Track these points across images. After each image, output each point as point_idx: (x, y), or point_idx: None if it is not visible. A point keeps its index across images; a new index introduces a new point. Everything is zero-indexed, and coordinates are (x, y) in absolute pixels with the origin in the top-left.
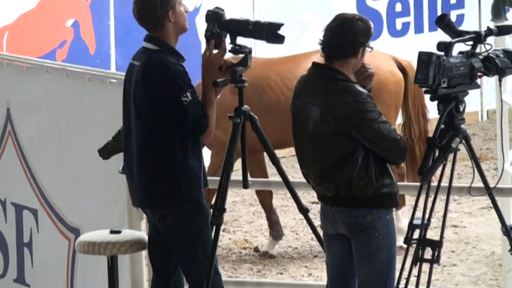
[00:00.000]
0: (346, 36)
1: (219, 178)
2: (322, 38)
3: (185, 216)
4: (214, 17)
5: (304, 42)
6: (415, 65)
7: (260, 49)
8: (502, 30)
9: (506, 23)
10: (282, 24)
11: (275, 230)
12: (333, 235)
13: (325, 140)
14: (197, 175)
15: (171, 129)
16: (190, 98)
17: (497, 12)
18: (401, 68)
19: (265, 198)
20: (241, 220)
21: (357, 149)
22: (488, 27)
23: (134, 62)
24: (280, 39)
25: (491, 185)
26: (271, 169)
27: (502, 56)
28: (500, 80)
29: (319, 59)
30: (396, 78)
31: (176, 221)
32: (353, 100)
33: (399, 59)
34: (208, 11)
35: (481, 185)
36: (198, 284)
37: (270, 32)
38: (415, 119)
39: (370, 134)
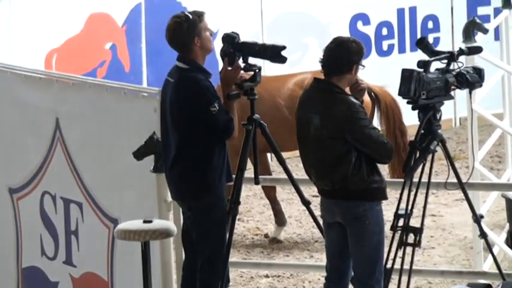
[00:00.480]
0: (342, 55)
1: (234, 176)
2: (322, 57)
3: (207, 209)
4: (229, 39)
5: (305, 62)
6: (396, 82)
7: (268, 67)
8: (472, 51)
9: (475, 44)
10: (285, 47)
11: (279, 218)
12: (331, 223)
13: (324, 143)
14: (220, 174)
15: (201, 134)
16: (217, 108)
17: (468, 35)
18: (374, 94)
19: (269, 192)
20: (253, 211)
21: (351, 150)
22: (460, 47)
23: (169, 78)
24: (282, 59)
25: (464, 180)
26: (278, 168)
27: (471, 72)
28: (470, 92)
29: (301, 79)
30: (365, 104)
31: (200, 212)
32: (348, 109)
33: (372, 85)
34: (224, 34)
35: (455, 180)
36: (208, 261)
37: (274, 53)
38: (392, 134)
39: (362, 138)
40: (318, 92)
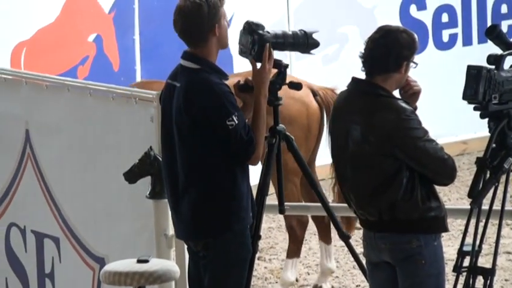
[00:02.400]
0: (389, 48)
1: None
2: (363, 51)
3: (228, 247)
4: (254, 29)
5: (344, 56)
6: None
7: (296, 65)
8: None
9: None
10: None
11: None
12: (377, 263)
13: (366, 161)
14: (246, 203)
15: (217, 153)
16: (236, 122)
17: None
18: (320, 98)
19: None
20: (277, 247)
21: (401, 169)
22: None
23: (173, 82)
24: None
25: None
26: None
27: None
28: None
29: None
30: (311, 110)
31: (217, 252)
32: (396, 117)
33: (316, 87)
34: (246, 23)
35: None
36: None
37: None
38: None
39: (415, 153)
40: (357, 96)
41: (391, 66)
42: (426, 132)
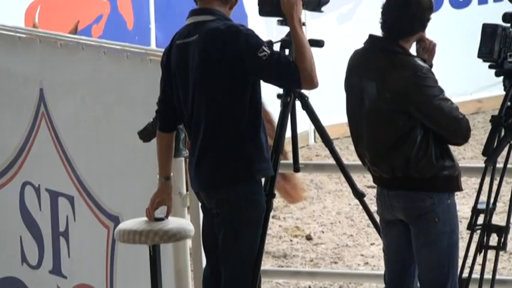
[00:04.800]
0: (414, 13)
1: None
2: (382, 18)
3: (241, 207)
4: None
5: (358, 16)
6: (476, 41)
7: (311, 24)
8: None
9: None
10: None
11: None
12: (390, 221)
13: (382, 118)
14: (267, 154)
15: (243, 100)
16: (268, 51)
17: None
18: None
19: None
20: (291, 206)
21: (416, 127)
22: None
23: (186, 40)
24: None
25: None
26: (324, 151)
27: None
28: None
29: None
30: None
31: (231, 210)
32: (412, 74)
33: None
34: None
35: None
36: (231, 278)
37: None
38: None
39: (430, 111)
40: (375, 54)
41: (416, 29)
42: (442, 90)
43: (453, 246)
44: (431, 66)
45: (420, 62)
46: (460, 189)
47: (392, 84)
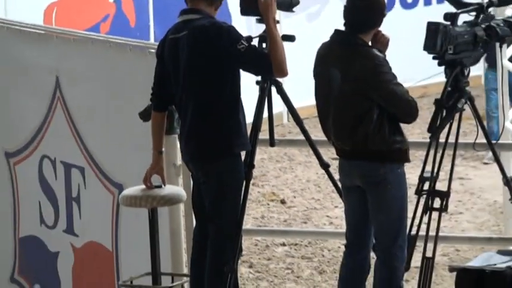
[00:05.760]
0: (373, 10)
1: None
2: (346, 14)
3: (226, 172)
4: None
5: (325, 15)
6: (421, 36)
7: (284, 22)
8: (502, 2)
9: None
10: None
11: None
12: (350, 187)
13: (345, 100)
14: (244, 130)
15: (225, 86)
16: (246, 44)
17: None
18: None
19: None
20: (268, 175)
21: (373, 107)
22: None
23: (176, 35)
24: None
25: (493, 141)
26: (295, 128)
27: (502, 25)
28: (500, 47)
29: None
30: None
31: (215, 179)
32: (372, 63)
33: None
34: None
35: (484, 141)
36: (217, 236)
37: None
38: None
39: (386, 94)
40: (338, 45)
41: (376, 24)
42: (395, 76)
43: (403, 209)
44: (384, 56)
45: (377, 53)
46: (408, 160)
47: (354, 72)
